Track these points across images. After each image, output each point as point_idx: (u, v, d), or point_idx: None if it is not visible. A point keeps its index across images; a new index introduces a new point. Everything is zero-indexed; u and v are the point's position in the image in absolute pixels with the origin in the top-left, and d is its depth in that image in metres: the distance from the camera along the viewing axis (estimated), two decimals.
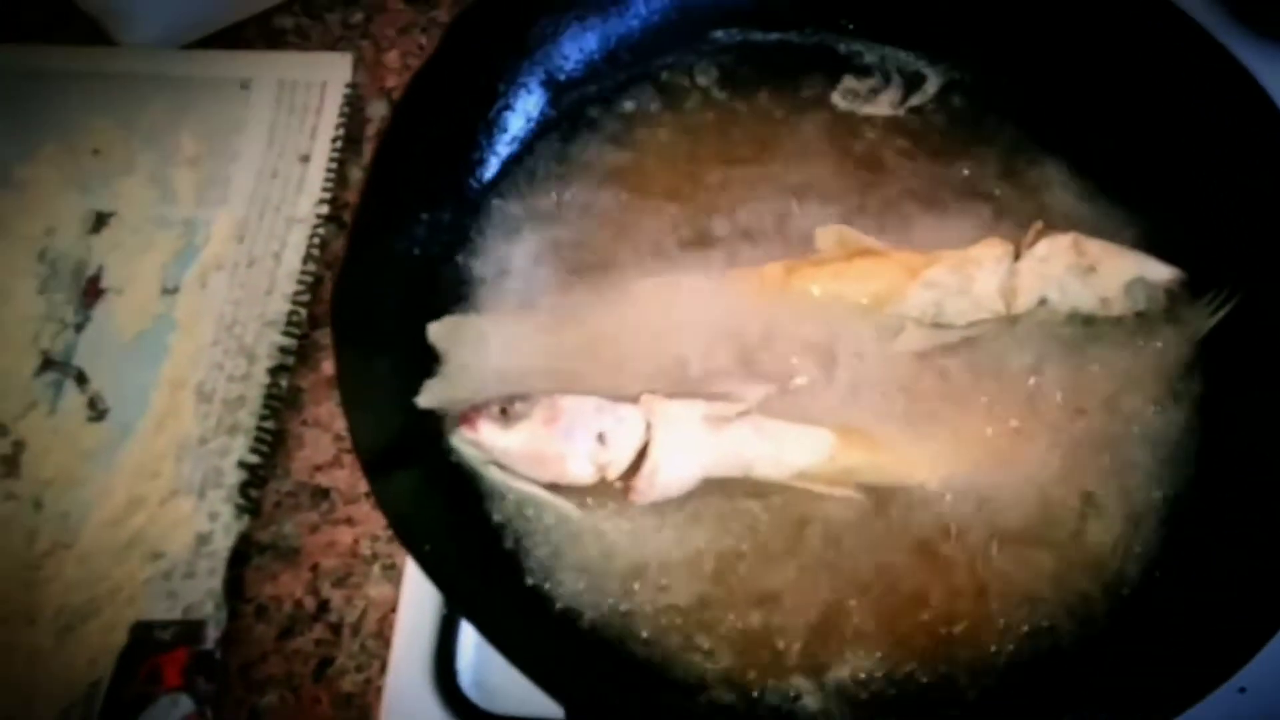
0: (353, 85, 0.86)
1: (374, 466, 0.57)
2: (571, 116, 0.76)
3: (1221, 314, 0.66)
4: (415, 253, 0.68)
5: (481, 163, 0.73)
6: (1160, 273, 0.66)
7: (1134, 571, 0.63)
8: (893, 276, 0.66)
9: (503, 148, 0.74)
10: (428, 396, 0.63)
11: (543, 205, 0.72)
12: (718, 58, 0.78)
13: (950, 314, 0.66)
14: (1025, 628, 0.61)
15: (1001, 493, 0.64)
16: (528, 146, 0.74)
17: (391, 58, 0.91)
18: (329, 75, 0.86)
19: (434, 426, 0.63)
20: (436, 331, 0.66)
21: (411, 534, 0.56)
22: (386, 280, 0.66)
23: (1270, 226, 0.66)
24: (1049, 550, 0.63)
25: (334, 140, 0.84)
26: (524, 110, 0.75)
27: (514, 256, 0.70)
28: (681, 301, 0.67)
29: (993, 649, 0.61)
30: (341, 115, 0.85)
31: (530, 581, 0.61)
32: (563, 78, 0.76)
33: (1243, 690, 0.64)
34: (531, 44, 0.74)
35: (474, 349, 0.65)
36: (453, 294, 0.69)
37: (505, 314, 0.68)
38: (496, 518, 0.63)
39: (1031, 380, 0.66)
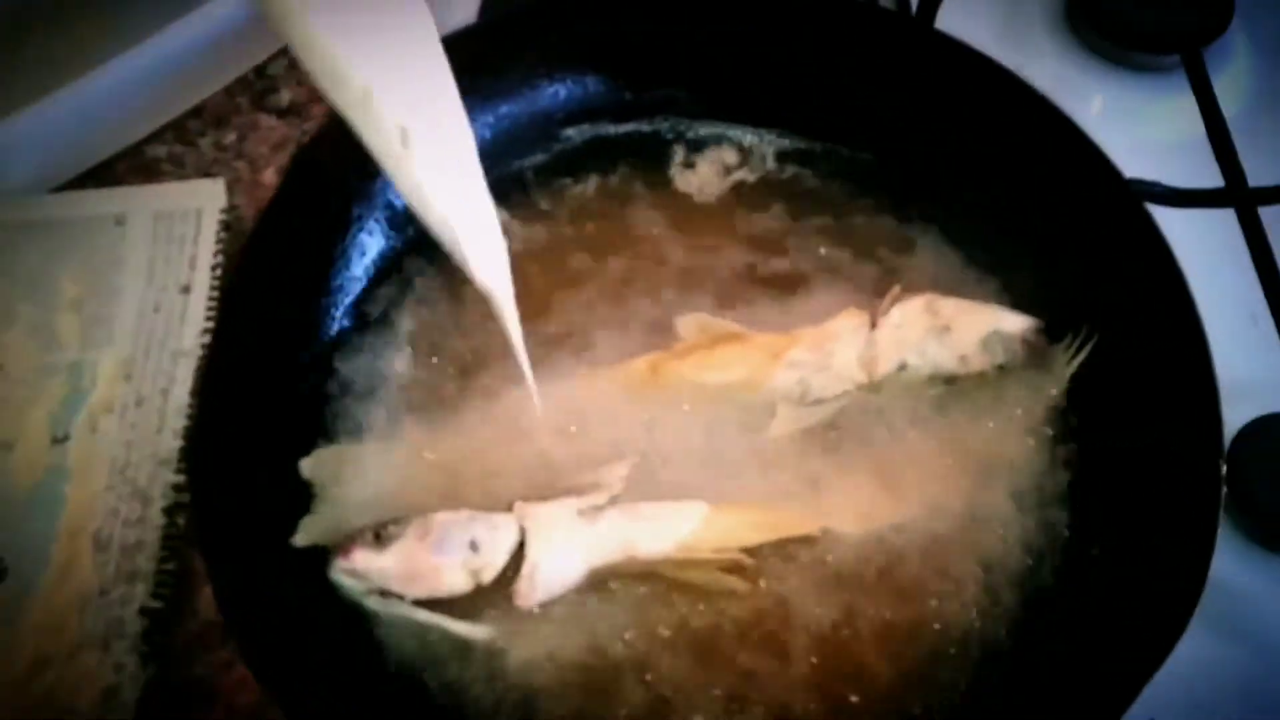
0: (231, 208, 0.87)
1: (243, 628, 0.57)
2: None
3: (1080, 358, 0.67)
4: (276, 389, 0.69)
5: (340, 289, 0.74)
6: (1015, 324, 0.68)
7: (1017, 618, 0.64)
8: (756, 361, 0.67)
9: (359, 270, 0.75)
10: (305, 534, 0.64)
11: (404, 325, 0.74)
12: (566, 155, 0.79)
13: (815, 390, 0.67)
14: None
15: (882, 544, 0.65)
16: (386, 268, 0.75)
17: (268, 176, 0.91)
18: (203, 202, 0.87)
19: (317, 565, 0.63)
20: (309, 466, 0.66)
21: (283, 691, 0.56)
22: (246, 422, 0.66)
23: (1109, 264, 0.68)
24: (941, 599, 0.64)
25: (214, 268, 0.84)
26: (380, 231, 0.75)
27: (379, 381, 0.71)
28: (550, 405, 0.67)
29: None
30: (219, 241, 0.85)
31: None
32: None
33: None
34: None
35: (348, 478, 0.66)
36: (320, 424, 0.70)
37: (376, 439, 0.69)
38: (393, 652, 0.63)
39: (900, 444, 0.67)
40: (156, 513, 0.74)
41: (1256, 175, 0.81)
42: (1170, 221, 0.80)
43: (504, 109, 0.79)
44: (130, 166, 0.91)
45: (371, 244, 0.76)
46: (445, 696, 0.62)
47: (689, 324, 0.69)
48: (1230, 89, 0.88)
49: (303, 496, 0.66)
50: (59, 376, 0.80)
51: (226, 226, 0.86)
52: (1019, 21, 0.95)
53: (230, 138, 0.93)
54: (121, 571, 0.73)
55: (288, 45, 0.53)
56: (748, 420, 0.67)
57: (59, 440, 0.78)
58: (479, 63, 0.76)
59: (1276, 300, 0.74)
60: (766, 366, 0.67)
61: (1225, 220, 0.80)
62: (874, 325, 0.68)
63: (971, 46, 0.74)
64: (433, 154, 0.54)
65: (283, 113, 0.95)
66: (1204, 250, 0.79)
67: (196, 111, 0.94)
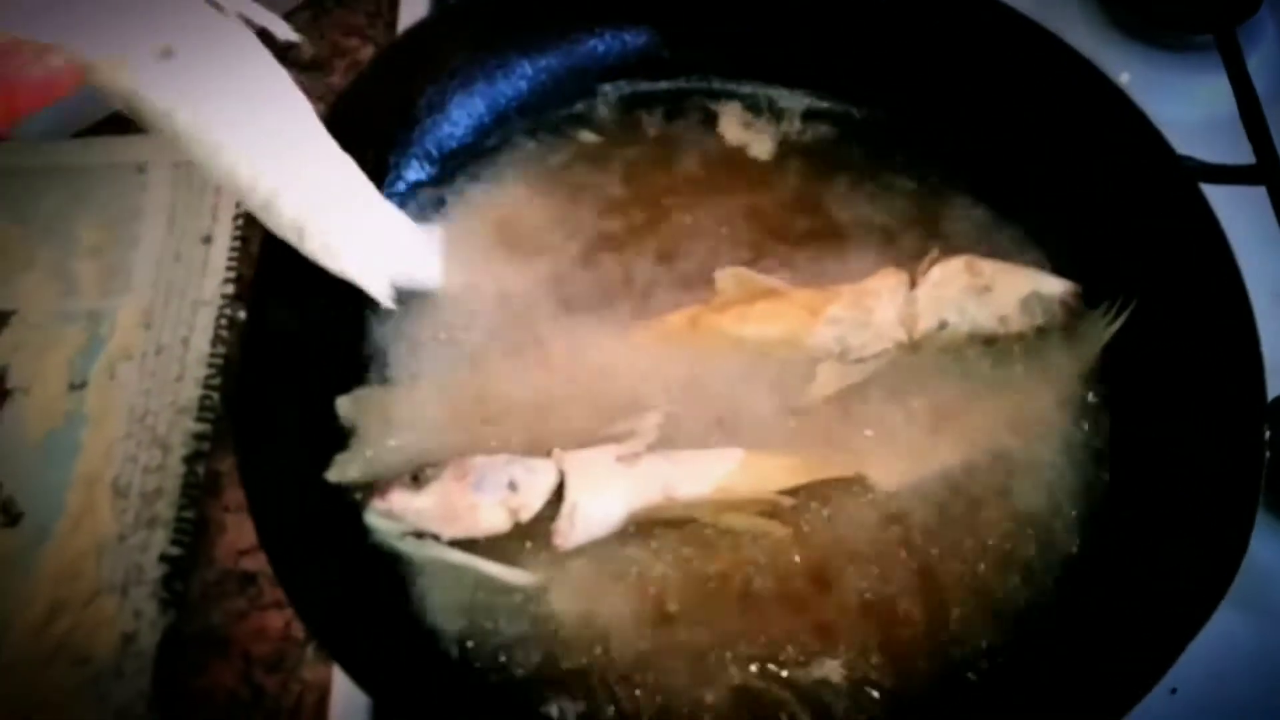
0: None
1: (283, 560, 0.56)
2: (461, 179, 0.76)
3: (1118, 323, 0.67)
4: (316, 331, 0.68)
5: None
6: (1054, 286, 0.68)
7: (1052, 580, 0.64)
8: (795, 317, 0.67)
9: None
10: (338, 470, 0.63)
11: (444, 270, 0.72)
12: (605, 110, 0.79)
13: (854, 347, 0.67)
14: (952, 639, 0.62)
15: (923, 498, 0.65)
16: (421, 215, 0.74)
17: None
18: None
19: (350, 509, 0.63)
20: (345, 406, 0.66)
21: (326, 629, 0.55)
22: (288, 361, 0.65)
23: (1156, 235, 0.68)
24: (976, 558, 0.64)
25: (235, 219, 0.83)
26: (414, 179, 0.75)
27: (418, 327, 0.70)
28: (589, 359, 0.67)
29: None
30: None
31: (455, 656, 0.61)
32: (454, 144, 0.76)
33: (1174, 691, 0.65)
34: (420, 114, 0.75)
35: (384, 422, 0.65)
36: (360, 368, 0.69)
37: (414, 385, 0.68)
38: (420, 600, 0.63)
39: (938, 400, 0.67)
40: (176, 460, 0.74)
41: None
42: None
43: (543, 62, 0.79)
44: None
45: (406, 190, 0.75)
46: (479, 647, 0.61)
47: (727, 278, 0.69)
48: (1262, 68, 0.88)
49: (341, 436, 0.66)
50: (77, 323, 0.79)
51: None
52: None
53: None
54: (141, 518, 0.72)
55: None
56: (787, 376, 0.67)
57: (76, 387, 0.77)
58: (520, 15, 0.76)
59: None
60: (806, 323, 0.67)
61: (1256, 198, 0.80)
62: (914, 284, 0.68)
63: (1016, 10, 0.73)
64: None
65: (304, 68, 0.94)
66: (1233, 227, 0.80)
67: None
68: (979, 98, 0.75)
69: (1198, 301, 0.65)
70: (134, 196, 0.84)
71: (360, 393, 0.67)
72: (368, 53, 0.94)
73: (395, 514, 0.60)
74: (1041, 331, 0.68)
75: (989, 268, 0.67)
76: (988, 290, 0.67)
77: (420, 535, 0.61)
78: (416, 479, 0.61)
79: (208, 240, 0.82)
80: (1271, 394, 0.71)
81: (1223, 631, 0.61)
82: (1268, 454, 0.59)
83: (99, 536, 0.71)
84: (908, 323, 0.67)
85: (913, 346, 0.67)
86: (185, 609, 0.70)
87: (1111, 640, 0.60)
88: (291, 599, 0.56)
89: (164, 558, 0.70)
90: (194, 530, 0.72)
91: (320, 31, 0.95)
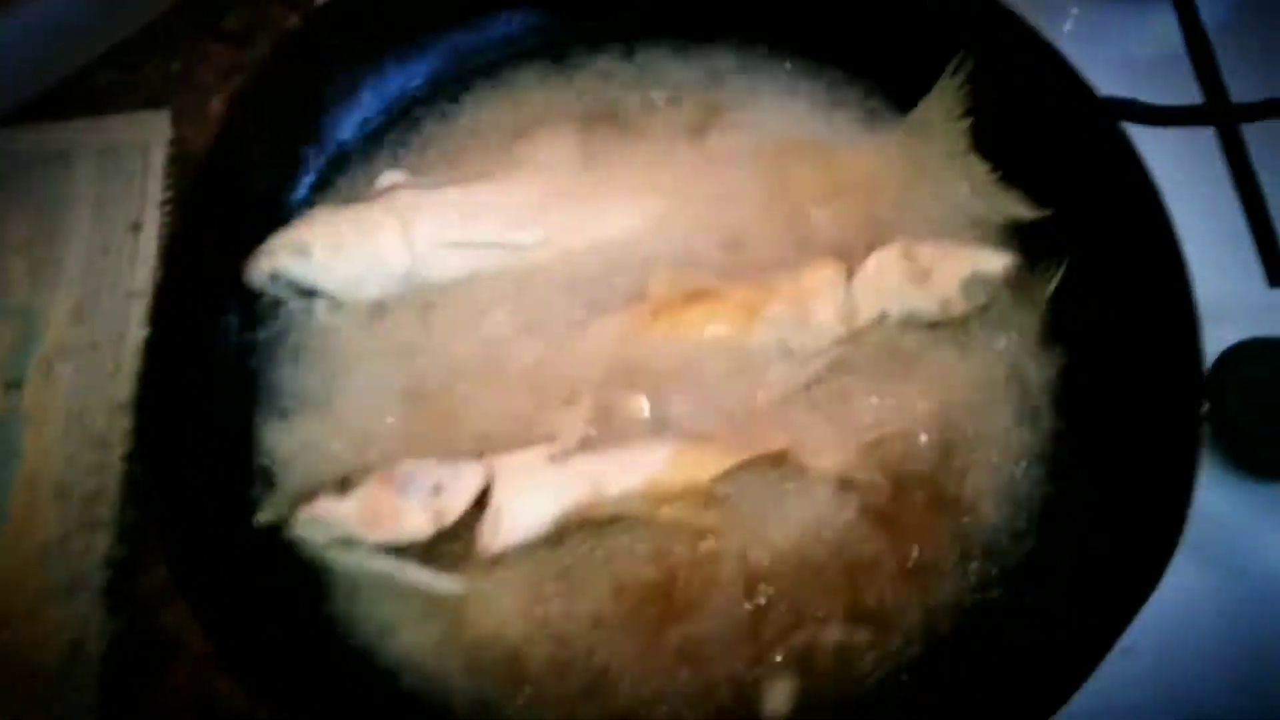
0: (177, 141, 0.83)
1: (199, 595, 0.56)
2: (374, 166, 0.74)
3: (1055, 282, 0.66)
4: (228, 354, 0.67)
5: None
6: (994, 263, 0.66)
7: (1005, 550, 0.63)
8: (732, 319, 0.65)
9: None
10: (269, 512, 0.62)
11: None
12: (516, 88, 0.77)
13: (796, 347, 0.65)
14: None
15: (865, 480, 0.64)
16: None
17: (215, 106, 0.87)
18: (149, 136, 0.83)
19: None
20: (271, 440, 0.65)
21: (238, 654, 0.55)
22: (196, 382, 0.64)
23: (1091, 191, 0.66)
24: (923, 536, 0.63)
25: (163, 204, 0.81)
26: (323, 167, 0.73)
27: (341, 336, 0.68)
28: (524, 360, 0.66)
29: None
30: (168, 176, 0.82)
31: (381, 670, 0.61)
32: (366, 129, 0.75)
33: (1129, 649, 0.65)
34: (327, 100, 0.73)
35: (311, 448, 0.64)
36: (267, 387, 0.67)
37: (341, 400, 0.66)
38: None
39: (882, 387, 0.65)
40: (116, 459, 0.73)
41: (1238, 91, 0.79)
42: (1148, 141, 0.79)
43: (452, 42, 0.76)
44: (71, 98, 0.87)
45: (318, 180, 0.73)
46: (401, 662, 0.61)
47: (660, 280, 0.66)
48: (1211, 2, 0.86)
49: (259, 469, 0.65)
50: (10, 320, 0.78)
51: (174, 160, 0.83)
52: None
53: (175, 66, 0.89)
54: (83, 521, 0.71)
55: None
56: (731, 374, 0.65)
57: (12, 385, 0.75)
58: None
59: (1258, 222, 0.73)
60: (744, 325, 0.65)
61: (1204, 138, 0.78)
62: (850, 276, 0.66)
63: None
64: None
65: (229, 38, 0.90)
66: (1183, 170, 0.78)
67: (139, 37, 0.89)
68: (901, 47, 0.73)
69: (1130, 253, 0.64)
70: (59, 187, 0.82)
71: (283, 424, 0.66)
72: (294, 21, 0.91)
73: (321, 520, 0.60)
74: (984, 311, 0.66)
75: (926, 252, 0.66)
76: (927, 276, 0.65)
77: (348, 544, 0.60)
78: (343, 485, 0.60)
79: (136, 228, 0.80)
80: (1232, 338, 0.72)
81: (1175, 584, 0.61)
82: (1205, 405, 0.58)
83: (41, 542, 0.70)
84: (847, 317, 0.65)
85: (854, 339, 0.66)
86: (134, 611, 0.69)
87: (1066, 606, 0.60)
88: (204, 626, 0.55)
89: (109, 560, 0.69)
90: (138, 530, 0.71)
91: (247, 1, 0.92)
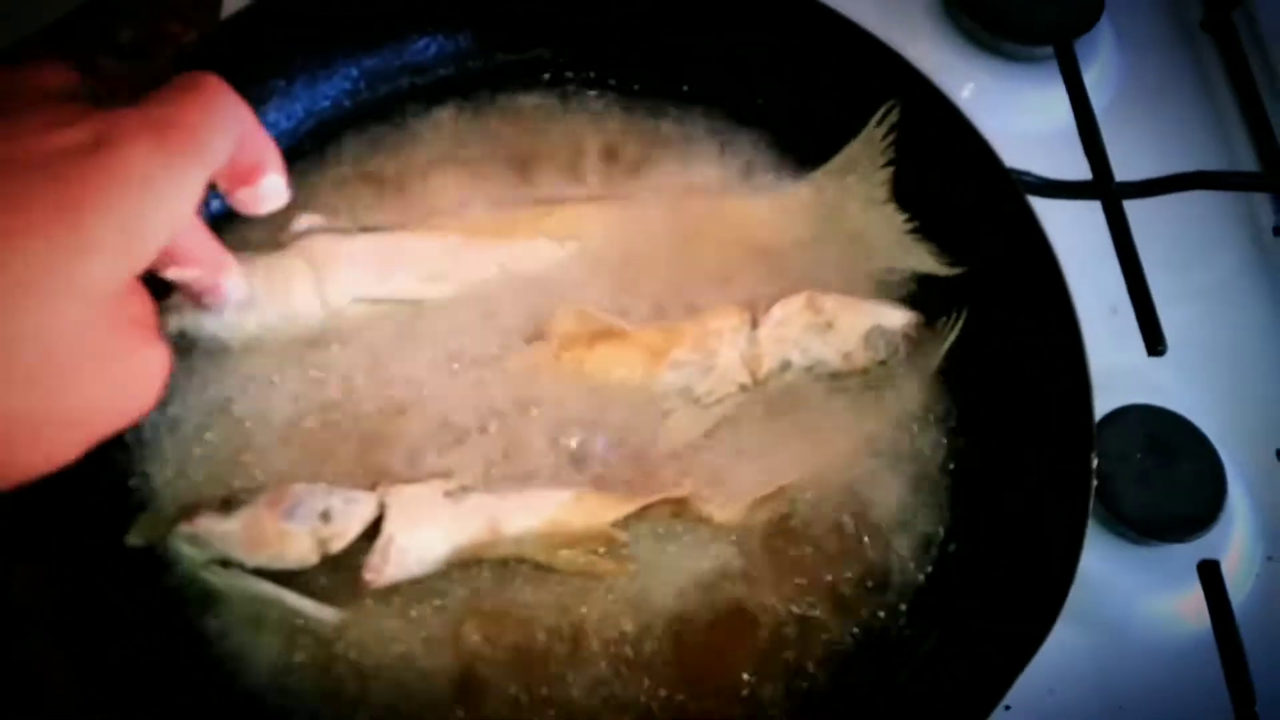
0: None
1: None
2: None
3: (951, 337, 0.67)
4: None
5: None
6: (896, 319, 0.67)
7: (892, 606, 0.63)
8: (638, 361, 0.65)
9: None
10: (141, 531, 0.59)
11: None
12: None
13: (700, 391, 0.65)
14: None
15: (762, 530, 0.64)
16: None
17: None
18: None
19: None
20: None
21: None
22: None
23: (987, 249, 0.68)
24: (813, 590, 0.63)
25: None
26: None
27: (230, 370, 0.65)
28: (410, 398, 0.64)
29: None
30: None
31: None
32: None
33: (1008, 708, 0.66)
34: None
35: (188, 471, 0.62)
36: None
37: (222, 429, 0.63)
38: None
39: (781, 437, 0.66)
40: None
41: (1122, 168, 0.82)
42: (1037, 211, 0.82)
43: (368, 62, 0.75)
44: None
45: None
46: (273, 690, 0.58)
47: (567, 317, 0.65)
48: (1099, 82, 0.90)
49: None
50: None
51: None
52: (897, 6, 0.94)
53: None
54: None
55: None
56: (630, 419, 0.65)
57: None
58: (345, 12, 0.73)
59: (1137, 293, 0.75)
60: (649, 368, 0.64)
61: (1090, 211, 0.81)
62: (755, 324, 0.66)
63: (852, 21, 0.72)
64: None
65: (124, 52, 0.87)
66: (1067, 240, 0.80)
67: (25, 45, 0.86)
68: (807, 102, 0.74)
69: (1027, 315, 0.66)
70: None
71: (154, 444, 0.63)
72: (192, 38, 0.88)
73: (200, 539, 0.57)
74: (884, 364, 0.67)
75: (830, 304, 0.66)
76: (830, 327, 0.66)
77: (227, 565, 0.58)
78: (227, 502, 0.58)
79: None
80: (1112, 404, 0.74)
81: (1054, 644, 0.62)
82: (1094, 475, 0.59)
83: None
84: (751, 364, 0.65)
85: (757, 385, 0.66)
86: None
87: (950, 663, 0.60)
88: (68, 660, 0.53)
89: None
90: None
91: (142, 15, 0.89)
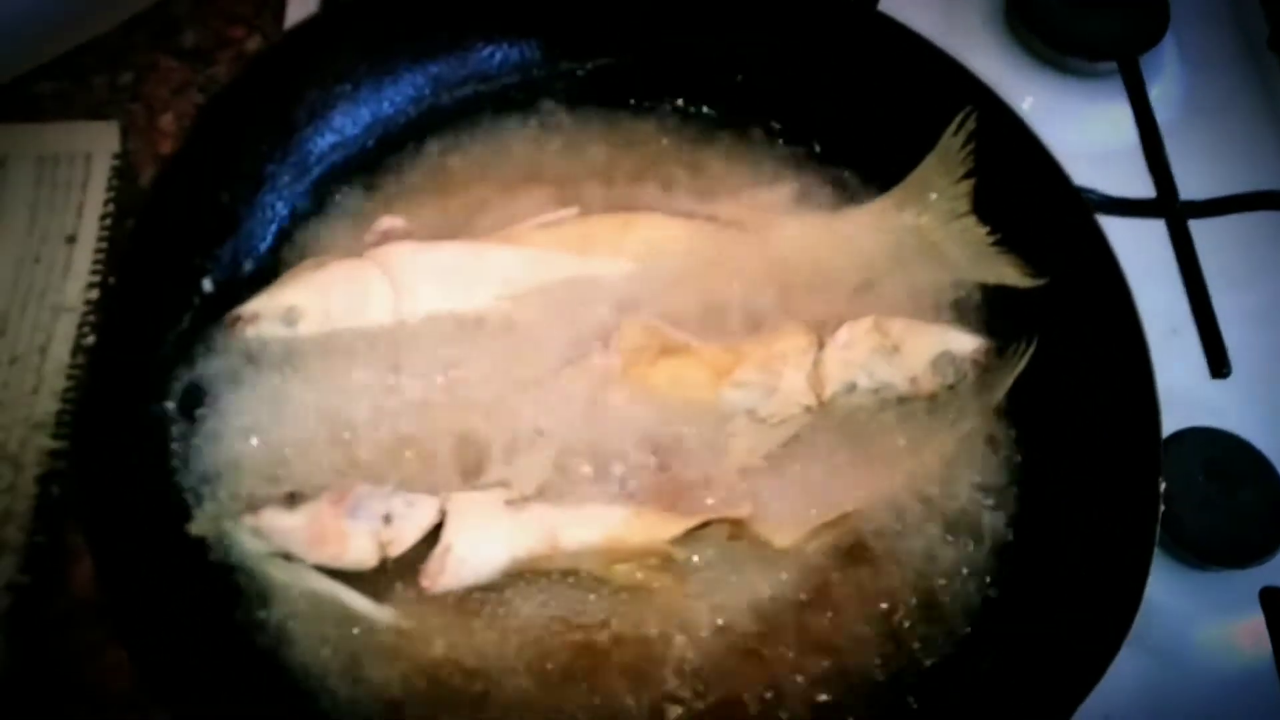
0: (122, 155, 0.81)
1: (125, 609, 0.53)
2: (342, 193, 0.73)
3: (1021, 365, 0.66)
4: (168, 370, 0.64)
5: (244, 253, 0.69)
6: (965, 344, 0.66)
7: (956, 631, 0.62)
8: (702, 380, 0.64)
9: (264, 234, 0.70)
10: (203, 523, 0.59)
11: None
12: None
13: (764, 411, 0.64)
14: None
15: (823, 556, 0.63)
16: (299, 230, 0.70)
17: (166, 121, 0.85)
18: (94, 146, 0.80)
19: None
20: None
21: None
22: (138, 403, 0.62)
23: (1055, 271, 0.67)
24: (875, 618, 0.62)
25: (103, 218, 0.78)
26: (290, 190, 0.71)
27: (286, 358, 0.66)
28: (474, 407, 0.64)
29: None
30: (110, 189, 0.79)
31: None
32: (335, 155, 0.73)
33: None
34: (299, 121, 0.71)
35: (248, 471, 0.62)
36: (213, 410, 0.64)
37: (284, 431, 0.63)
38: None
39: (846, 461, 0.65)
40: (29, 480, 0.69)
41: (1186, 187, 0.81)
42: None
43: (433, 70, 0.75)
44: (9, 104, 0.83)
45: (280, 206, 0.71)
46: (323, 687, 0.58)
47: (634, 330, 0.65)
48: (1163, 99, 0.88)
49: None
50: None
51: (119, 173, 0.80)
52: (957, 19, 0.94)
53: (126, 78, 0.86)
54: None
55: None
56: (697, 434, 0.64)
57: None
58: (410, 19, 0.73)
59: (1201, 314, 0.74)
60: (713, 385, 0.64)
61: (1153, 230, 0.80)
62: (821, 346, 0.65)
63: (920, 35, 0.71)
64: None
65: (185, 54, 0.88)
66: (1129, 259, 0.80)
67: (88, 48, 0.87)
68: (884, 123, 0.73)
69: (1096, 338, 0.65)
70: None
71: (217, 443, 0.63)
72: (254, 43, 0.89)
73: (263, 532, 0.58)
74: (952, 389, 0.66)
75: (897, 327, 0.66)
76: (896, 351, 0.65)
77: (287, 558, 0.58)
78: (291, 498, 0.58)
79: (72, 240, 0.77)
80: (1174, 427, 0.72)
81: (1115, 671, 0.61)
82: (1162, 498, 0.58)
83: None
84: (816, 386, 0.65)
85: (822, 408, 0.65)
86: (35, 641, 0.65)
87: (1013, 692, 0.59)
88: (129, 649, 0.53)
89: (10, 587, 0.65)
90: (47, 556, 0.67)
91: (204, 19, 0.90)
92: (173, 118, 0.85)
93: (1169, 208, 0.79)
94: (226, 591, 0.60)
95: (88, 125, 0.82)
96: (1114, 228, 0.79)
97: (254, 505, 0.59)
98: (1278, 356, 0.79)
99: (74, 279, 0.76)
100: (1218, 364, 0.72)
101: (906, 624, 0.62)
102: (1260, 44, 0.95)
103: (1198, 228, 0.79)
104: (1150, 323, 0.78)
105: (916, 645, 0.61)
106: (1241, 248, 0.83)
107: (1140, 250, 0.79)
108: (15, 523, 0.68)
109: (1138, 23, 0.90)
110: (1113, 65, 0.87)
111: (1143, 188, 0.82)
